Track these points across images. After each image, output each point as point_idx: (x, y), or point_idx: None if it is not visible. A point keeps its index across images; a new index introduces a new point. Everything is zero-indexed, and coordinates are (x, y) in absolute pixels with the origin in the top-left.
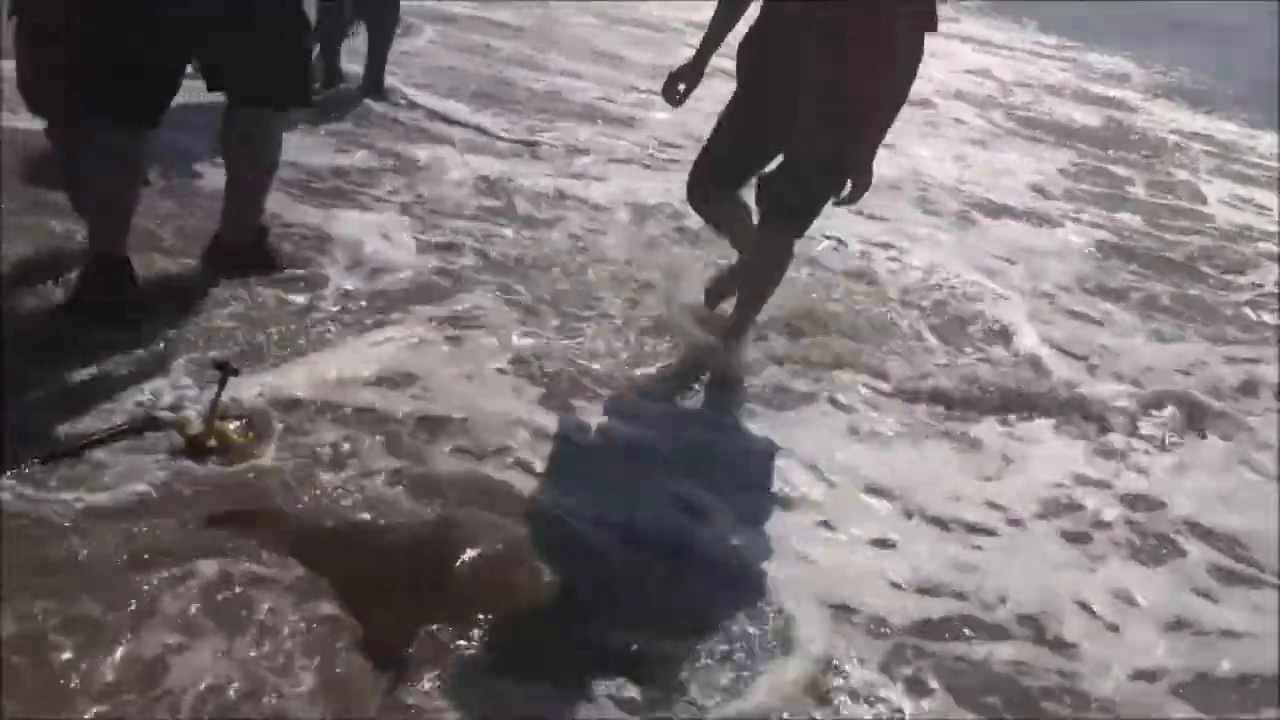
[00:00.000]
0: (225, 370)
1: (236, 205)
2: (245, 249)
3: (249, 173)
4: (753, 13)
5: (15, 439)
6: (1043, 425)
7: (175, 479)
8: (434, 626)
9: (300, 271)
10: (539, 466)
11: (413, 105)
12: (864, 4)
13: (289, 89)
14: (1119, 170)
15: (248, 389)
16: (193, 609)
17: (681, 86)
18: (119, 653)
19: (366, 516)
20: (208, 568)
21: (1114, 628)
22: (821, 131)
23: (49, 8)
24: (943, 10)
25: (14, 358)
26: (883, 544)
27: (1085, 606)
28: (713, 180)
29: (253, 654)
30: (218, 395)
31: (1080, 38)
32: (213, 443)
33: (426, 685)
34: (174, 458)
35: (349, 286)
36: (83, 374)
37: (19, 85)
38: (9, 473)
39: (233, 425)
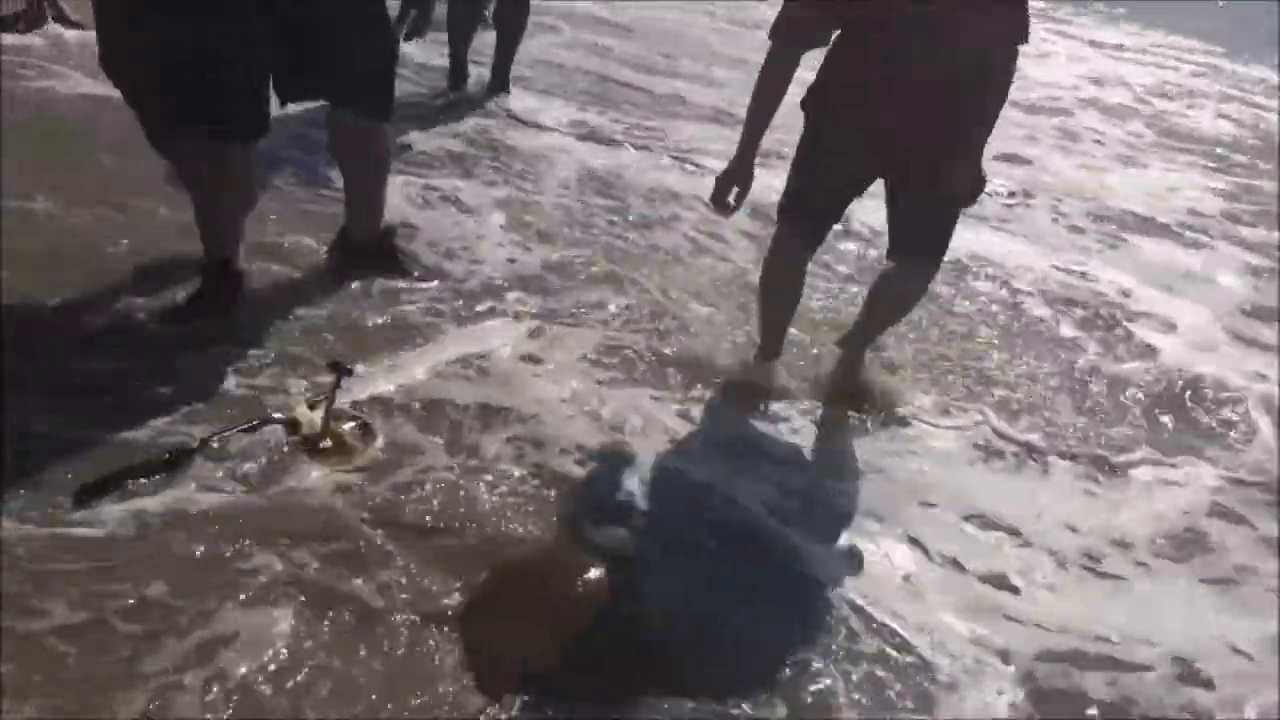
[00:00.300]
0: (340, 370)
1: (354, 204)
2: (371, 247)
3: (356, 173)
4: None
5: (127, 435)
6: (1187, 458)
7: (288, 476)
8: (512, 635)
9: (410, 268)
10: (635, 474)
11: (530, 104)
12: (958, 23)
13: (371, 94)
14: (1271, 185)
15: (355, 388)
16: (278, 604)
17: (736, 190)
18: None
19: (462, 520)
20: (304, 565)
21: (1259, 674)
22: (938, 159)
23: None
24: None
25: (127, 358)
26: (1002, 580)
27: (1234, 649)
28: (804, 232)
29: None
30: (332, 395)
31: (1215, 41)
32: (327, 442)
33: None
34: (288, 456)
35: (458, 282)
36: (197, 374)
37: (126, 100)
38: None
39: (346, 426)
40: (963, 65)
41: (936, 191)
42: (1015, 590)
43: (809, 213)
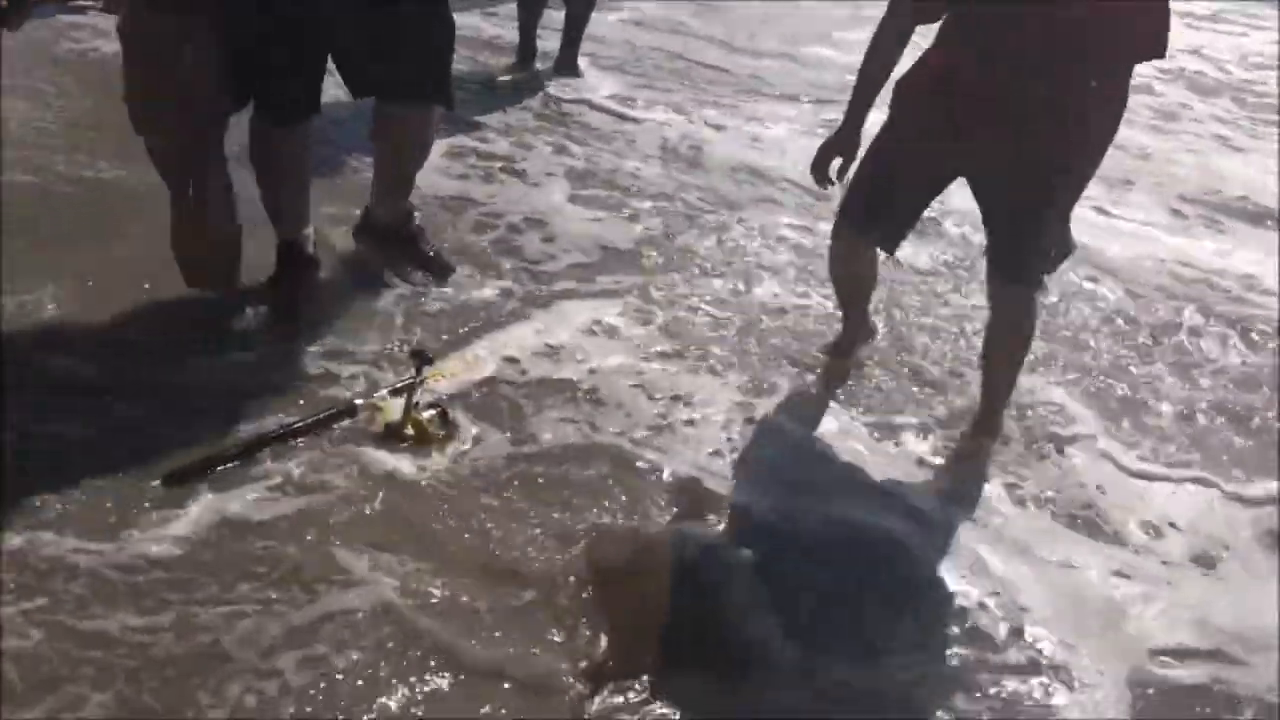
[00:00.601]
0: (421, 359)
1: (381, 187)
2: (390, 231)
3: (390, 161)
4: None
5: (208, 431)
6: None
7: (373, 467)
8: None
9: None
10: (734, 469)
11: (601, 80)
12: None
13: (424, 85)
14: None
15: (430, 376)
16: (366, 600)
17: (838, 162)
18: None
19: (547, 511)
20: (393, 558)
21: None
22: (1039, 178)
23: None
24: None
25: (186, 352)
26: (1109, 579)
27: None
28: (866, 215)
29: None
30: (414, 384)
31: None
32: (409, 431)
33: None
34: (372, 446)
35: (531, 263)
36: (263, 367)
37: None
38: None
39: (427, 414)
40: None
41: (1013, 202)
42: (1124, 582)
43: (873, 208)
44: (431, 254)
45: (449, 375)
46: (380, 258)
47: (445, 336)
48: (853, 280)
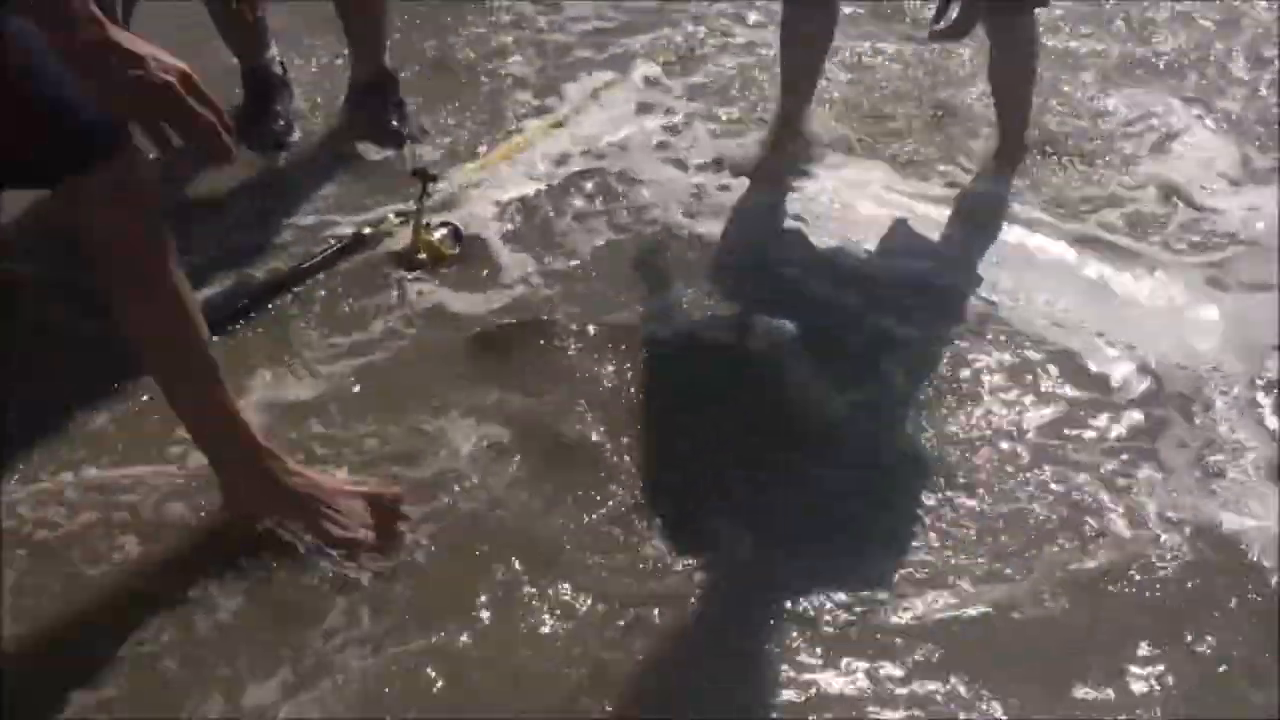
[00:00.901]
0: (425, 177)
1: (354, 43)
2: (375, 92)
3: (349, 7)
4: None
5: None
6: None
7: (416, 306)
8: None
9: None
10: (773, 234)
11: None
12: None
13: None
14: None
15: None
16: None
17: None
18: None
19: (586, 317)
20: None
21: None
22: None
23: None
24: None
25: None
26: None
27: None
28: None
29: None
30: (420, 205)
31: None
32: (421, 255)
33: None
34: (404, 282)
35: (531, 41)
36: (266, 219)
37: None
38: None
39: (438, 234)
40: None
41: None
42: (1213, 291)
43: None
44: (394, 125)
45: (468, 181)
46: (366, 126)
47: (458, 151)
48: (809, 62)
